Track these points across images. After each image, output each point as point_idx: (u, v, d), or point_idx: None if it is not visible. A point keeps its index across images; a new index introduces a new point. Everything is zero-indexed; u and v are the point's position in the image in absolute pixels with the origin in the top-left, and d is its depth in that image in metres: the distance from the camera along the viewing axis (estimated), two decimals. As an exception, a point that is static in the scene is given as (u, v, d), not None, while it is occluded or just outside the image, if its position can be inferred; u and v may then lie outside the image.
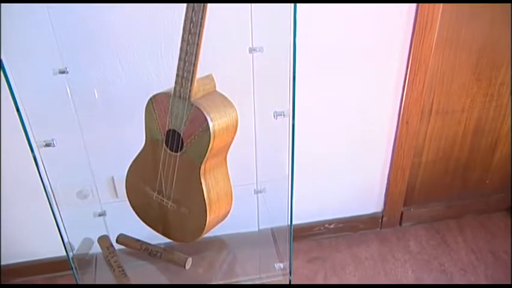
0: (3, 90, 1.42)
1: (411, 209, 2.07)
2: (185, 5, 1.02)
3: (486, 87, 1.79)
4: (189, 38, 1.06)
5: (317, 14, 1.48)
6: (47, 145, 1.04)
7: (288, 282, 1.36)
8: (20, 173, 1.59)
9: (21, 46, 1.31)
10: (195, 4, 1.03)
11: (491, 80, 1.77)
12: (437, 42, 1.63)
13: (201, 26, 1.04)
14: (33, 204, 1.66)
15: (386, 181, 1.96)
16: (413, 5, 1.53)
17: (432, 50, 1.62)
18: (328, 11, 1.49)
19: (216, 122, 1.11)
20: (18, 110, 0.97)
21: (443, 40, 1.65)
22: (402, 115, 1.75)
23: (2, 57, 0.93)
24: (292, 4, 0.95)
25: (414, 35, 1.58)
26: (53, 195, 1.15)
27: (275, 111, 1.07)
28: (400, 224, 2.10)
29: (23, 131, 0.96)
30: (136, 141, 1.27)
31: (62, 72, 1.24)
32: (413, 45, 1.60)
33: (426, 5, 1.52)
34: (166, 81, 1.43)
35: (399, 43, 1.60)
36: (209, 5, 1.02)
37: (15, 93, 0.97)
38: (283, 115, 1.05)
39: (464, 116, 1.85)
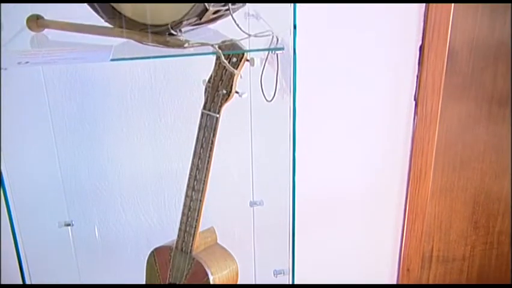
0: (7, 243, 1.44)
1: None
2: (190, 160, 1.09)
3: (485, 235, 1.81)
4: (192, 194, 1.11)
5: (313, 162, 1.55)
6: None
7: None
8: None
9: (30, 200, 1.36)
10: (199, 163, 1.09)
11: (489, 229, 1.80)
12: (432, 191, 1.68)
13: (204, 183, 1.10)
14: None
15: (391, 331, 1.89)
16: (407, 155, 1.61)
17: (428, 198, 1.67)
18: (323, 157, 1.56)
19: (216, 276, 1.12)
20: (21, 267, 0.98)
21: (438, 188, 1.70)
22: (403, 262, 1.74)
23: (12, 212, 0.97)
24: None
25: (410, 184, 1.64)
26: None
27: (275, 270, 1.08)
28: None
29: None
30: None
31: (67, 225, 1.27)
32: (409, 193, 1.65)
33: (419, 154, 1.60)
34: (169, 229, 1.46)
35: (396, 191, 1.65)
36: (212, 162, 1.08)
37: (20, 248, 0.99)
38: (283, 273, 1.06)
39: (465, 264, 1.84)
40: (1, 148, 1.29)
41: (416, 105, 1.55)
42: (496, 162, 1.72)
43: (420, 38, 1.49)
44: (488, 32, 1.56)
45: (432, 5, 1.44)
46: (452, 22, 1.47)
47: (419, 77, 1.52)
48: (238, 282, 1.17)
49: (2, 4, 1.21)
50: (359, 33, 1.44)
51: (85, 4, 0.96)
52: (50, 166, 1.38)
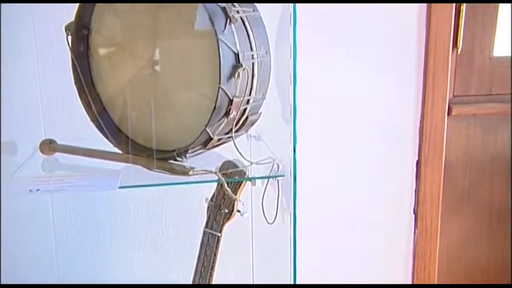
0: None
1: None
2: (191, 277, 1.08)
3: None
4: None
5: (314, 281, 1.54)
6: None
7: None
8: None
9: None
10: (200, 281, 1.09)
11: None
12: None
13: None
14: None
15: None
16: (409, 270, 1.59)
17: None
18: (325, 276, 1.55)
19: None
20: None
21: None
22: None
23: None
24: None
25: (414, 298, 1.61)
26: None
27: None
28: None
29: None
30: None
31: None
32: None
33: (421, 269, 1.58)
34: None
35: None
36: (214, 281, 1.08)
37: None
38: None
39: None
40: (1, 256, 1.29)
41: (415, 219, 1.57)
42: (501, 278, 1.69)
43: (417, 154, 1.54)
44: (481, 148, 1.61)
45: (427, 121, 1.51)
46: (446, 138, 1.53)
47: (417, 191, 1.56)
48: None
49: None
50: (356, 154, 1.50)
51: (96, 129, 1.02)
52: (49, 276, 1.37)
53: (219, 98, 0.83)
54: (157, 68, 0.93)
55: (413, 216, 1.57)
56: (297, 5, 0.91)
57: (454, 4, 1.45)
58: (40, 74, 1.23)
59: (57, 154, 1.02)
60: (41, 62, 1.23)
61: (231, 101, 0.85)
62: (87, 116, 1.01)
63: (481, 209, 1.66)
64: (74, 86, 1.01)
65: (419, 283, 1.58)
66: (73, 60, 0.99)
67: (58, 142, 1.04)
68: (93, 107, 0.99)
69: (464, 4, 1.48)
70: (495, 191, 1.65)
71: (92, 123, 1.01)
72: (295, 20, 0.91)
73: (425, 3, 1.44)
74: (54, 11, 1.20)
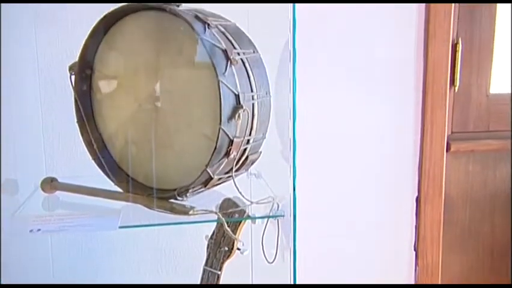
0: None
1: None
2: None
3: None
4: None
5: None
6: None
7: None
8: None
9: None
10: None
11: None
12: None
13: None
14: None
15: None
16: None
17: None
18: None
19: None
20: None
21: None
22: None
23: None
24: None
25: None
26: None
27: None
28: None
29: None
30: None
31: None
32: None
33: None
34: None
35: None
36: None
37: None
38: None
39: None
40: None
41: (416, 256, 1.56)
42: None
43: (416, 190, 1.54)
44: (481, 184, 1.62)
45: (426, 158, 1.52)
46: (445, 174, 1.53)
47: (417, 228, 1.55)
48: None
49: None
50: (356, 192, 1.51)
51: (96, 165, 1.02)
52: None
53: (219, 138, 0.84)
54: (158, 107, 0.95)
55: (414, 253, 1.57)
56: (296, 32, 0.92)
57: (451, 42, 1.48)
58: (42, 112, 1.25)
59: (58, 192, 1.02)
60: (43, 100, 1.25)
61: (231, 142, 0.86)
62: (88, 154, 1.02)
63: (482, 245, 1.65)
64: (76, 125, 1.02)
65: (421, 322, 1.57)
66: (75, 100, 1.00)
67: (59, 179, 1.04)
68: (94, 146, 1.00)
69: (461, 42, 1.51)
70: (496, 227, 1.65)
71: (93, 161, 1.02)
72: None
73: (422, 48, 1.47)
74: (58, 50, 1.23)
